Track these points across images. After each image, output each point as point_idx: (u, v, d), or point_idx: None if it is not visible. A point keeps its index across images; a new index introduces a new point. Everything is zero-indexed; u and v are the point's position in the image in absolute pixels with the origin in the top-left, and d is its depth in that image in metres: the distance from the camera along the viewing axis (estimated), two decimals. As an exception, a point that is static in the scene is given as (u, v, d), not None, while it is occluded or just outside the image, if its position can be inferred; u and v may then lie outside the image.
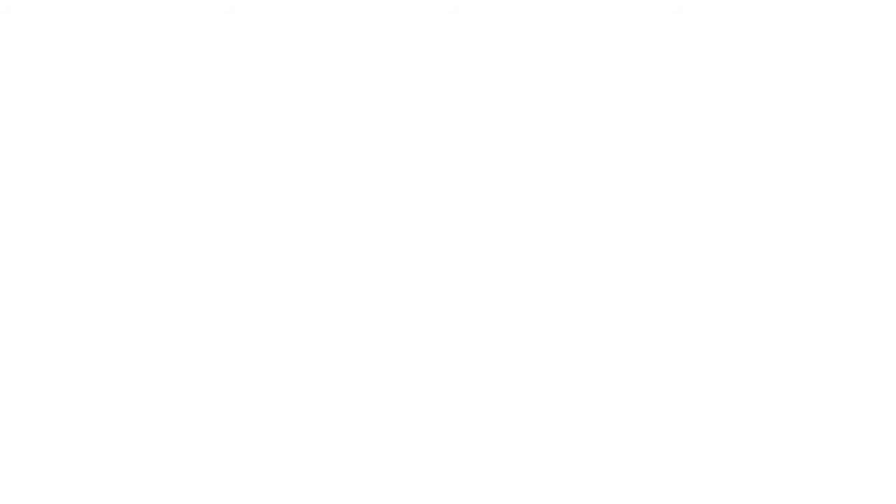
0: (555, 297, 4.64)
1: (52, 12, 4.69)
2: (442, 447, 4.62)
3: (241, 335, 4.65)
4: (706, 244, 4.62)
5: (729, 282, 4.61)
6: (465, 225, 4.65)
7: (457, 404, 4.63)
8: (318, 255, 4.66)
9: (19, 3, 4.69)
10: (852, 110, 4.61)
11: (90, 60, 4.69)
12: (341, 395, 4.64)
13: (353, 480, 4.61)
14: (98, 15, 4.69)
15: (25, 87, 4.69)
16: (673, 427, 4.59)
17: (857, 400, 4.55)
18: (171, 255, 4.66)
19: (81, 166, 4.67)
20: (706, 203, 4.62)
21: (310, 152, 4.69)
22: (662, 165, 4.64)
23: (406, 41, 4.68)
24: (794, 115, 4.62)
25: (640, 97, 4.65)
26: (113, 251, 4.66)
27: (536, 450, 4.60)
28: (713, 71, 4.64)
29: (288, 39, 4.70)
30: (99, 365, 4.64)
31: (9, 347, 4.63)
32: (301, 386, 4.64)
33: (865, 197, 4.60)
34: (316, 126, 4.69)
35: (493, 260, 4.65)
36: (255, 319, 4.65)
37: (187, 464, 4.61)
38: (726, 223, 4.61)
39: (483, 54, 4.68)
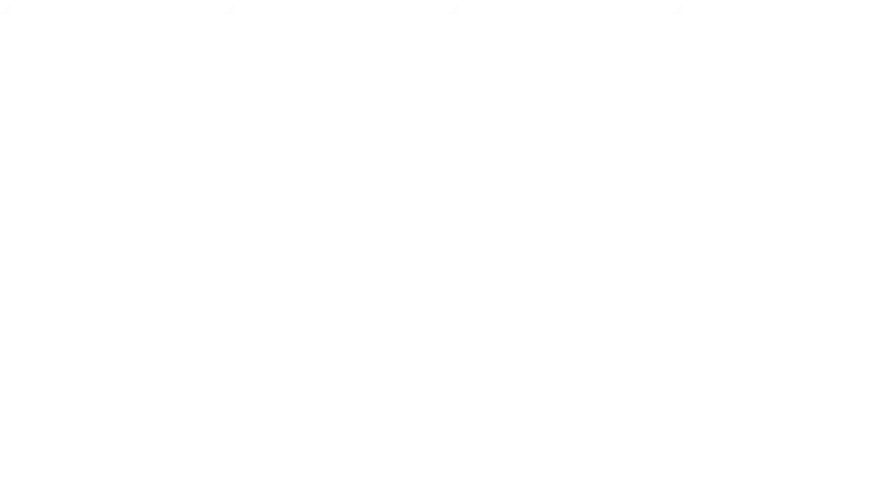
0: (555, 297, 4.64)
1: (52, 12, 4.69)
2: (442, 447, 4.62)
3: (241, 335, 4.65)
4: (706, 244, 4.62)
5: (729, 282, 4.61)
6: (466, 225, 4.65)
7: (456, 404, 4.63)
8: (318, 255, 4.66)
9: (19, 3, 4.69)
10: (852, 110, 4.61)
11: (90, 60, 4.69)
12: (341, 395, 4.64)
13: (353, 480, 4.62)
14: (98, 15, 4.69)
15: (25, 87, 4.69)
16: (673, 427, 4.59)
17: (857, 400, 4.55)
18: (172, 255, 4.66)
19: (81, 166, 4.67)
20: (706, 203, 4.62)
21: (310, 152, 4.69)
22: (662, 165, 4.64)
23: (406, 41, 4.68)
24: (794, 115, 4.62)
25: (640, 97, 4.65)
26: (113, 251, 4.66)
27: (536, 450, 4.60)
28: (713, 71, 4.64)
29: (288, 39, 4.70)
30: (99, 365, 4.64)
31: (9, 347, 4.63)
32: (301, 386, 4.64)
33: (865, 197, 4.60)
34: (316, 126, 4.69)
35: (493, 260, 4.65)
36: (255, 319, 4.65)
37: (187, 464, 4.61)
38: (727, 223, 4.61)
39: (483, 54, 4.68)
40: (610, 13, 4.65)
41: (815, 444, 4.55)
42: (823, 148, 4.62)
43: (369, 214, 4.67)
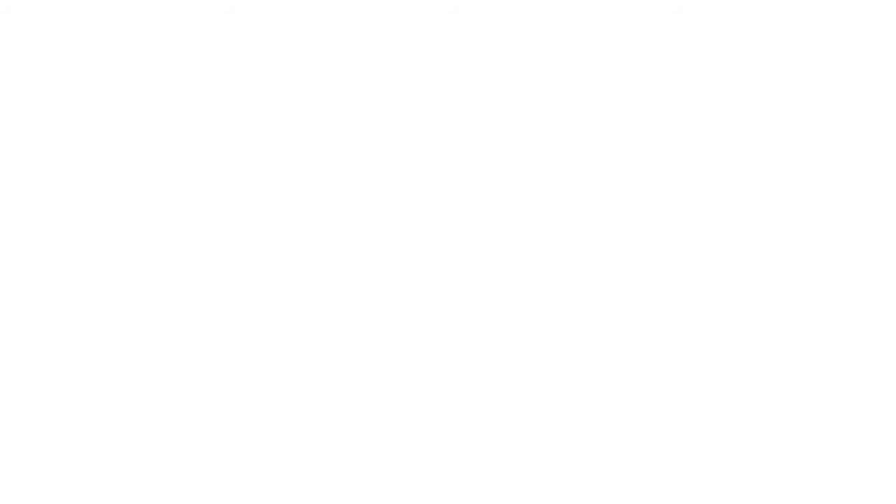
0: (555, 297, 4.64)
1: (52, 12, 4.69)
2: (442, 447, 4.62)
3: (241, 335, 4.65)
4: (706, 244, 4.62)
5: (729, 282, 4.61)
6: (466, 225, 4.65)
7: (456, 404, 4.63)
8: (318, 255, 4.66)
9: (19, 3, 4.69)
10: (852, 110, 4.61)
11: (90, 60, 4.69)
12: (341, 395, 4.64)
13: (354, 481, 4.62)
14: (98, 15, 4.69)
15: (25, 87, 4.69)
16: (673, 427, 4.59)
17: (857, 400, 4.55)
18: (172, 255, 4.66)
19: (81, 166, 4.67)
20: (706, 203, 4.63)
21: (310, 152, 4.69)
22: (662, 165, 4.64)
23: (406, 41, 4.68)
24: (794, 115, 4.62)
25: (640, 97, 4.65)
26: (113, 251, 4.66)
27: (536, 450, 4.60)
28: (713, 71, 4.64)
29: (288, 39, 4.70)
30: (99, 365, 4.64)
31: (9, 347, 4.63)
32: (301, 386, 4.64)
33: (865, 197, 4.60)
34: (316, 126, 4.69)
35: (493, 260, 4.65)
36: (255, 319, 4.65)
37: (187, 464, 4.61)
38: (727, 223, 4.61)
39: (483, 54, 4.68)
40: (610, 13, 4.65)
41: (815, 444, 4.55)
42: (823, 148, 4.62)
43: (369, 214, 4.67)
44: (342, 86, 4.69)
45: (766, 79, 4.63)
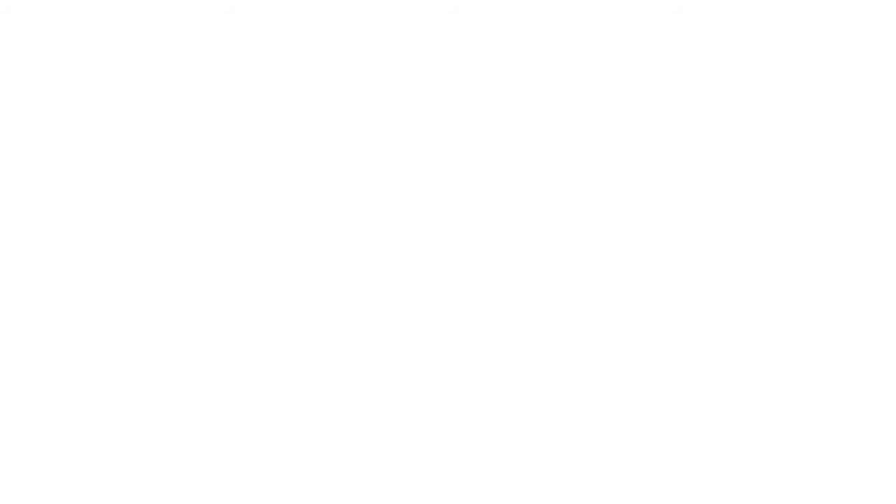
0: (555, 297, 4.64)
1: (52, 12, 4.69)
2: (442, 447, 4.62)
3: (241, 335, 4.65)
4: (706, 244, 4.62)
5: (729, 282, 4.61)
6: (466, 225, 4.66)
7: (456, 404, 4.64)
8: (318, 255, 4.66)
9: (19, 3, 4.69)
10: (852, 110, 4.61)
11: (90, 60, 4.69)
12: (341, 395, 4.64)
13: (354, 481, 4.62)
14: (98, 15, 4.69)
15: (25, 87, 4.69)
16: (673, 427, 4.59)
17: (857, 400, 4.55)
18: (172, 255, 4.66)
19: (81, 166, 4.68)
20: (706, 203, 4.63)
21: (310, 152, 4.69)
22: (662, 165, 4.64)
23: (406, 41, 4.68)
24: (794, 115, 4.63)
25: (640, 97, 4.65)
26: (113, 251, 4.66)
27: (536, 450, 4.60)
28: (713, 71, 4.64)
29: (288, 39, 4.70)
30: (99, 365, 4.64)
31: (9, 347, 4.63)
32: (301, 386, 4.64)
33: (865, 197, 4.60)
34: (316, 126, 4.69)
35: (493, 260, 4.65)
36: (255, 319, 4.65)
37: (187, 464, 4.62)
38: (727, 223, 4.62)
39: (483, 54, 4.68)
40: (610, 13, 4.65)
41: (815, 444, 4.55)
42: (823, 148, 4.62)
43: (369, 214, 4.67)
44: (342, 85, 4.69)
45: (765, 79, 4.63)
